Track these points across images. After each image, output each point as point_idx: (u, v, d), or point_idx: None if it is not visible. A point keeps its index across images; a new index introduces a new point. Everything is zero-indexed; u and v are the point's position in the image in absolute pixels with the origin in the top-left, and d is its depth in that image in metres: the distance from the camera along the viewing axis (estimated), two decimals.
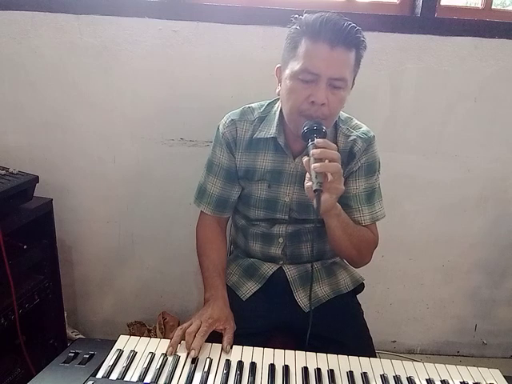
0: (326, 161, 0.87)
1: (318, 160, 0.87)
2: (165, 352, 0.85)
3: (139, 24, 1.43)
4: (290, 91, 0.96)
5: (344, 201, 1.07)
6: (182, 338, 0.89)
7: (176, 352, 0.86)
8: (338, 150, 1.00)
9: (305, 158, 0.90)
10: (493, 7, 1.53)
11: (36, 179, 1.28)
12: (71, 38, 1.45)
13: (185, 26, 1.44)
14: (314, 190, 0.85)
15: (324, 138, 0.91)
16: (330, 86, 0.93)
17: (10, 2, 1.41)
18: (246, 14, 1.42)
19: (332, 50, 0.90)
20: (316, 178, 0.85)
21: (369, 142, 1.07)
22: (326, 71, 0.91)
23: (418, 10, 1.46)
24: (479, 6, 1.55)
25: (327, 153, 0.88)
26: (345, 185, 1.07)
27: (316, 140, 0.89)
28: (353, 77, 0.98)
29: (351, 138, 1.07)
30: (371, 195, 1.10)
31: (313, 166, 0.86)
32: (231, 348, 0.89)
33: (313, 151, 0.88)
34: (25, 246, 1.28)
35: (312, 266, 1.01)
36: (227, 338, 0.91)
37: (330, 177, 0.87)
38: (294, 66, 0.94)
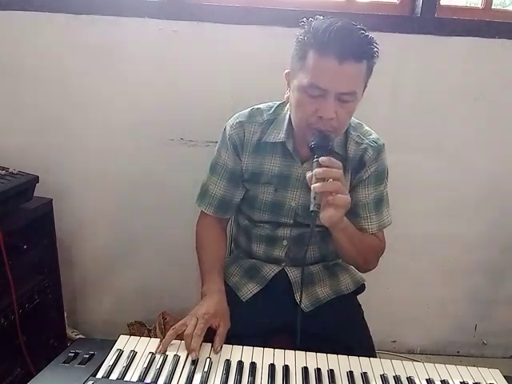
0: (330, 180, 0.86)
1: (320, 180, 0.86)
2: (154, 351, 0.84)
3: (139, 24, 1.43)
4: (298, 104, 0.94)
5: (353, 208, 1.04)
6: (174, 338, 0.88)
7: (165, 351, 0.85)
8: (347, 158, 0.99)
9: (308, 174, 0.89)
10: (493, 7, 1.53)
11: (36, 179, 1.28)
12: (71, 37, 1.45)
13: (185, 25, 1.44)
14: (311, 211, 0.85)
15: (330, 154, 0.90)
16: (338, 100, 0.90)
17: (10, 2, 1.41)
18: (246, 14, 1.43)
19: (341, 64, 0.86)
20: (314, 198, 0.85)
21: (379, 150, 1.06)
22: (335, 87, 0.88)
23: (418, 9, 1.46)
24: (479, 5, 1.55)
25: (329, 172, 0.86)
26: (354, 193, 1.07)
27: (320, 158, 0.88)
28: (363, 86, 0.96)
29: (362, 146, 1.05)
30: (379, 203, 1.09)
31: (312, 186, 0.86)
32: (221, 349, 0.87)
33: (315, 171, 0.87)
34: (25, 246, 1.28)
35: (303, 270, 1.02)
36: (219, 337, 0.89)
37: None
38: (302, 78, 0.91)
